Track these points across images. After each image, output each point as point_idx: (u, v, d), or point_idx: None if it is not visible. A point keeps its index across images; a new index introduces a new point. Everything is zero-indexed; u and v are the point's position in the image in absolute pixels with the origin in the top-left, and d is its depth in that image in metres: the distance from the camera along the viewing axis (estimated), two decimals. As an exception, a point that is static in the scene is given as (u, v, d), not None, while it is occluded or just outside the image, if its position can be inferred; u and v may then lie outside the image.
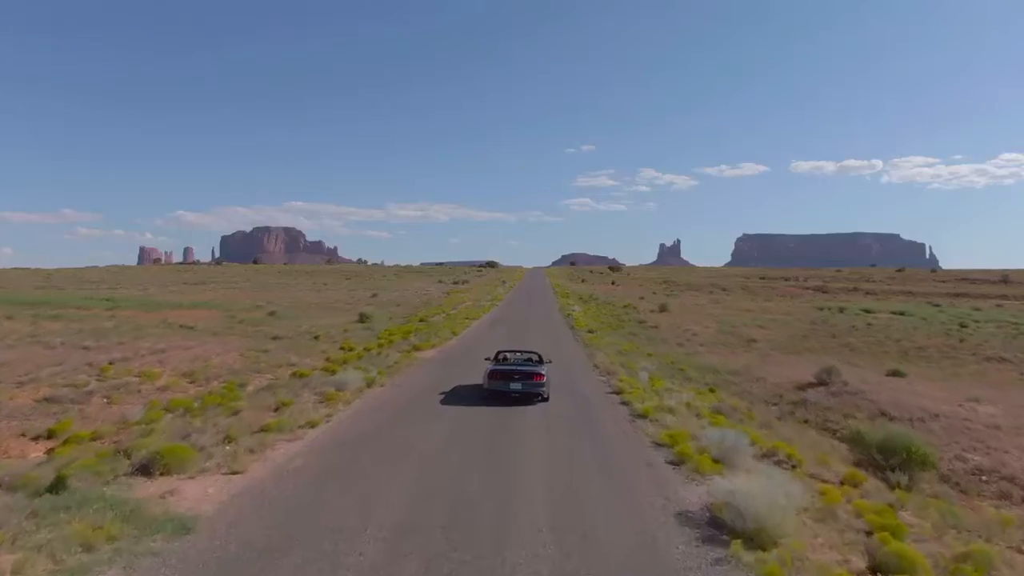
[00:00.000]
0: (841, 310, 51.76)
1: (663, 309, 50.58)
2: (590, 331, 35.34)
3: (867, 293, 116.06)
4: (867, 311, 52.23)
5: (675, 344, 32.60)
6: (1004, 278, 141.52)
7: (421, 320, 41.35)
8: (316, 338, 28.93)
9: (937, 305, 79.37)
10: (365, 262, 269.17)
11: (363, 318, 38.75)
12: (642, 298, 67.24)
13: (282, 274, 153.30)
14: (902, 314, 50.19)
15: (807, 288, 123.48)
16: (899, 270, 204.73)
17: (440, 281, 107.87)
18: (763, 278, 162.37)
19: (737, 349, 31.63)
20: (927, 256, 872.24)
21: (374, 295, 66.44)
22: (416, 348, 25.68)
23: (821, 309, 53.97)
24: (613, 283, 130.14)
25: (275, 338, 28.19)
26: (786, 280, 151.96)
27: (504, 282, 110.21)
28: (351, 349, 26.16)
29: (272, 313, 42.90)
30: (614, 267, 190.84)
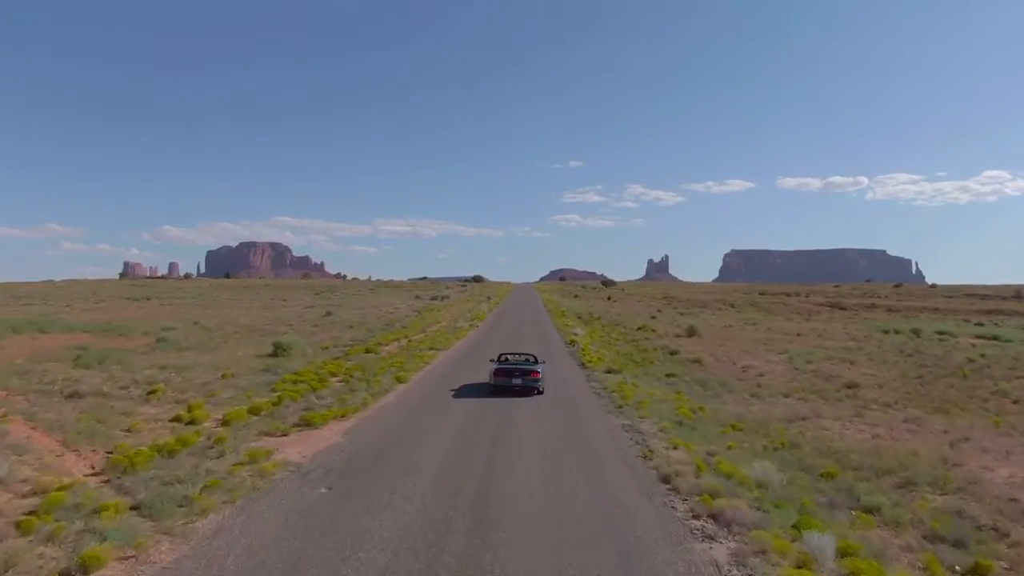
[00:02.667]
0: (916, 333, 40.48)
1: (692, 333, 38.94)
2: (610, 371, 23.61)
3: (889, 310, 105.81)
4: (945, 334, 41.05)
5: (746, 394, 20.88)
6: (1017, 293, 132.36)
7: (367, 351, 29.35)
8: (152, 393, 16.78)
9: (981, 324, 68.93)
10: (344, 277, 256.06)
11: (277, 350, 26.65)
12: (654, 317, 55.57)
13: (248, 288, 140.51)
14: (996, 339, 39.05)
15: (821, 304, 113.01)
16: (896, 285, 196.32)
17: (417, 297, 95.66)
18: (763, 294, 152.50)
19: (845, 403, 19.98)
20: (913, 272, 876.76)
21: (327, 314, 54.22)
22: (307, 423, 13.66)
23: (887, 332, 42.67)
24: (609, 299, 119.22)
25: (72, 396, 16.05)
26: (788, 296, 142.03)
27: (489, 297, 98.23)
28: (192, 422, 14.12)
29: (161, 340, 30.69)
30: (607, 282, 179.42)
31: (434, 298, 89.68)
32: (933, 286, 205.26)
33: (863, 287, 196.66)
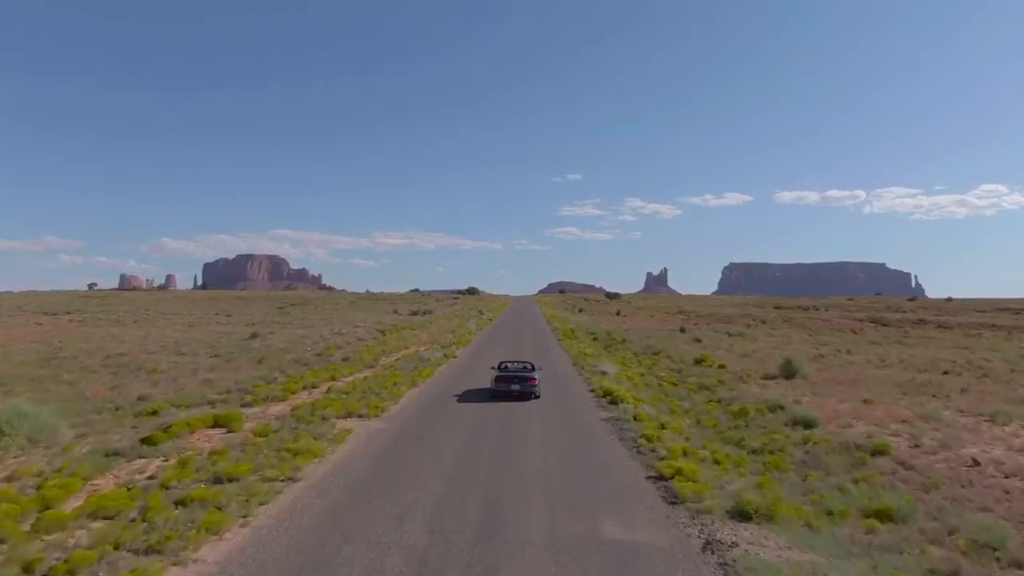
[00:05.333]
0: None
1: (791, 374, 24.43)
2: (740, 512, 9.15)
3: (940, 326, 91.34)
4: None
5: None
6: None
7: (216, 423, 14.85)
8: None
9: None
10: (330, 288, 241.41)
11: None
12: (698, 340, 40.95)
13: (214, 301, 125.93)
14: None
15: (861, 320, 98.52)
16: (911, 299, 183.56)
17: (395, 311, 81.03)
18: (779, 307, 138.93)
19: None
20: (912, 285, 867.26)
21: (253, 336, 39.50)
22: None
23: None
24: (618, 313, 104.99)
25: None
26: (805, 309, 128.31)
27: (481, 312, 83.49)
28: None
29: None
30: (612, 295, 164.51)
31: (415, 313, 75.04)
32: (949, 299, 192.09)
33: (882, 300, 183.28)
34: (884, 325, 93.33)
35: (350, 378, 24.30)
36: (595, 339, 44.75)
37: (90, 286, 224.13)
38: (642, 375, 26.40)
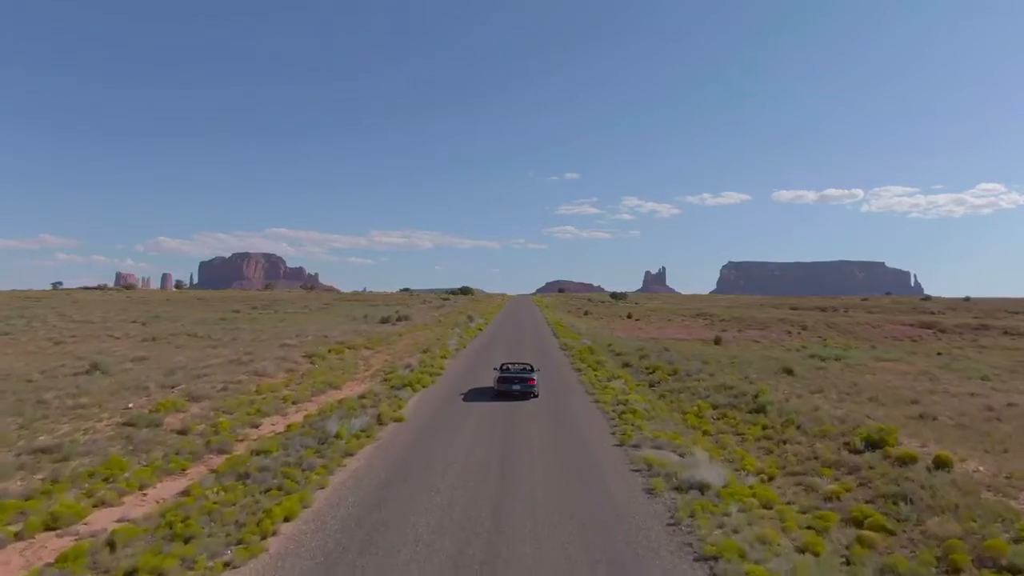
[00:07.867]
0: None
1: None
2: None
3: (1006, 332, 77.51)
4: None
5: None
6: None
7: None
8: None
9: None
10: (312, 288, 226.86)
11: None
12: (789, 371, 26.60)
13: (169, 302, 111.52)
14: None
15: (911, 325, 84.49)
16: (924, 298, 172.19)
17: (365, 317, 66.51)
18: (795, 308, 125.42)
19: None
20: (912, 284, 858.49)
21: (92, 369, 25.00)
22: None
23: None
24: (629, 316, 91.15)
25: None
26: (824, 311, 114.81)
27: (471, 318, 68.98)
28: None
29: None
30: (617, 295, 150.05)
31: (386, 320, 60.50)
32: (967, 299, 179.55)
33: (900, 300, 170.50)
34: (942, 331, 79.26)
35: (86, 521, 10.04)
36: (626, 364, 30.45)
37: (54, 285, 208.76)
38: (778, 485, 12.29)
